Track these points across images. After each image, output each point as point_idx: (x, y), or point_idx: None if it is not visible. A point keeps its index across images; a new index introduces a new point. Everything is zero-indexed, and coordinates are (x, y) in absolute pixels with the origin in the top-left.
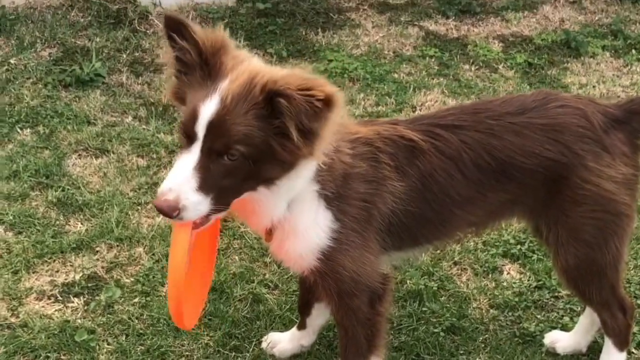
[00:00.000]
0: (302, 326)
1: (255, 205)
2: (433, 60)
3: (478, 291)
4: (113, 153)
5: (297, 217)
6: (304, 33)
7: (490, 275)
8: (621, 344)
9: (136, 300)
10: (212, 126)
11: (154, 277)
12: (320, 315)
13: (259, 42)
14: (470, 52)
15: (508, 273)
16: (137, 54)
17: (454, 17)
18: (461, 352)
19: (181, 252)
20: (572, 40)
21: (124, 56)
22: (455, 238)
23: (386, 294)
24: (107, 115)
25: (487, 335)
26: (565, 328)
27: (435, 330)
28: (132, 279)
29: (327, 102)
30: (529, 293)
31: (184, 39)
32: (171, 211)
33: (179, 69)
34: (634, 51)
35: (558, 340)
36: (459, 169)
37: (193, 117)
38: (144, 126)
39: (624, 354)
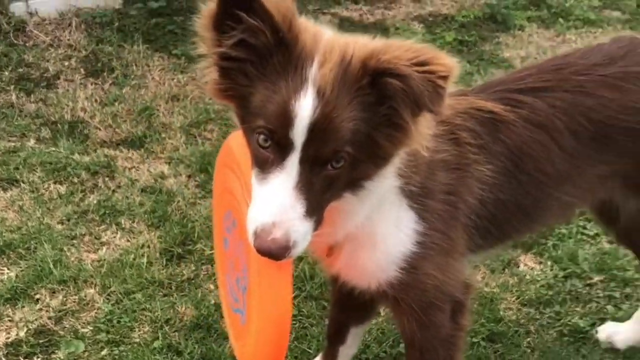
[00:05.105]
0: (332, 357)
1: (332, 216)
2: None
3: (501, 289)
4: (23, 182)
5: (376, 222)
6: None
7: (507, 270)
8: None
9: (104, 352)
10: (316, 128)
11: (118, 321)
12: (355, 344)
13: (160, 43)
14: (393, 36)
15: (525, 265)
16: (21, 70)
17: (363, 2)
18: None
19: (288, 298)
20: (497, 14)
21: (6, 73)
22: (545, 227)
23: (468, 305)
24: (4, 141)
25: (530, 338)
26: (615, 319)
27: (475, 340)
28: (91, 328)
29: (448, 79)
30: (560, 284)
31: (253, 16)
32: (282, 252)
33: (244, 57)
34: (561, 20)
35: (615, 333)
36: (553, 139)
37: (285, 119)
38: (52, 148)
39: None
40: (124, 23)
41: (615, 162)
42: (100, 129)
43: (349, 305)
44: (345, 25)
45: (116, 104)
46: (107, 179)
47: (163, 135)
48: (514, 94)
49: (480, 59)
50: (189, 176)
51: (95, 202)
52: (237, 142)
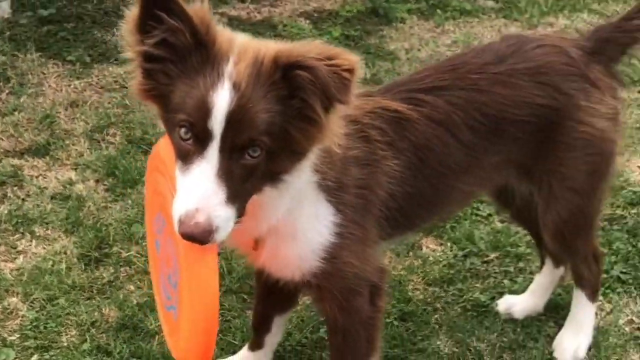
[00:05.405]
0: (258, 346)
1: (255, 210)
2: None
3: (408, 271)
4: None
5: (296, 216)
6: (100, 35)
7: (411, 253)
8: (594, 295)
9: (35, 358)
10: (233, 119)
11: (45, 327)
12: (279, 332)
13: (53, 51)
14: (282, 32)
15: (427, 247)
16: None
17: (250, 0)
18: (419, 337)
19: (214, 283)
20: (378, 8)
21: None
22: (448, 215)
23: (384, 288)
24: None
25: (437, 315)
26: (512, 291)
27: (388, 320)
28: (18, 335)
29: (352, 72)
30: (460, 263)
31: (174, 17)
32: (206, 236)
33: (165, 56)
34: (439, 11)
35: (513, 304)
36: (452, 135)
37: (204, 111)
38: None
39: (595, 305)
40: (15, 32)
41: (509, 152)
42: (2, 139)
43: (273, 295)
44: (234, 24)
45: (16, 113)
46: (15, 188)
47: (67, 141)
48: (416, 94)
49: (367, 53)
50: (97, 181)
51: (6, 212)
52: (162, 145)
